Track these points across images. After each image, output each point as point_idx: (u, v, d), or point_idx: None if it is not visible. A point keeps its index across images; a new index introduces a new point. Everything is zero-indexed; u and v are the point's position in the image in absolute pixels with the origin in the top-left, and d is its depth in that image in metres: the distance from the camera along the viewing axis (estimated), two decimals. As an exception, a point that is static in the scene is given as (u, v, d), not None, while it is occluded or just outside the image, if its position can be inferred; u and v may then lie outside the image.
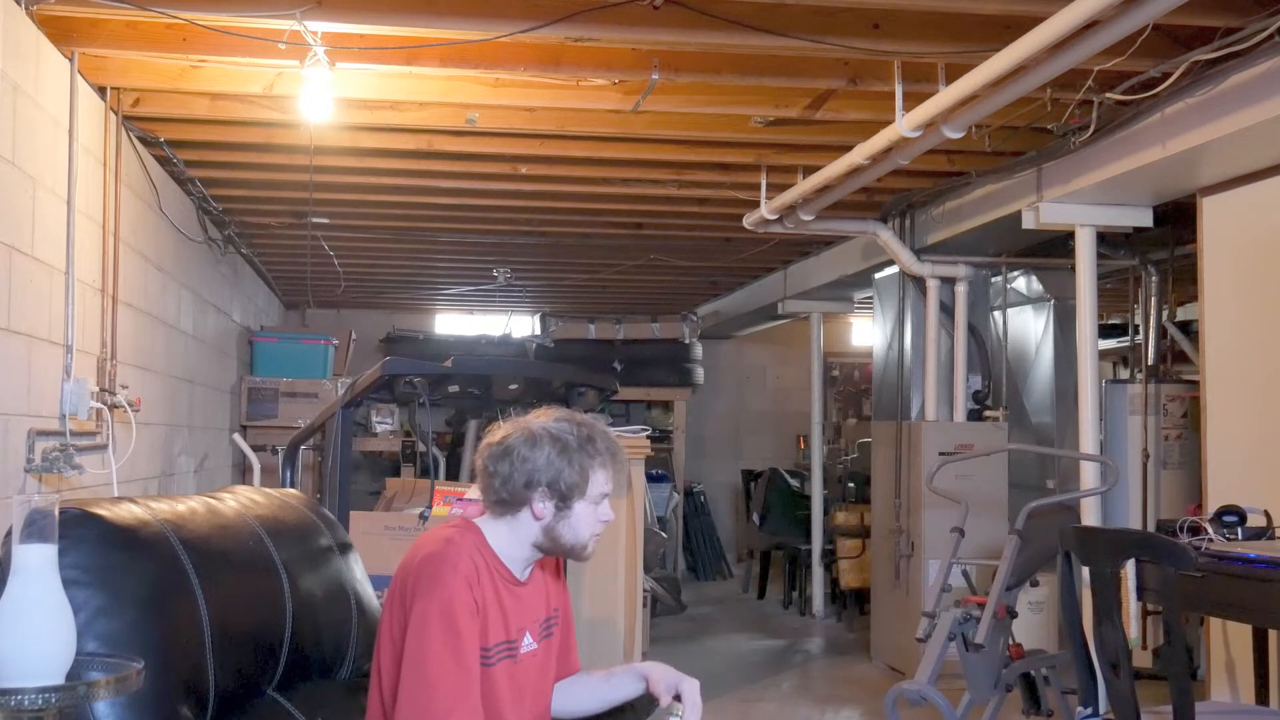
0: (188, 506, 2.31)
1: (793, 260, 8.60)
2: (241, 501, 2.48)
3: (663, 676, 2.36)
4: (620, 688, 2.46)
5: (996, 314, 7.12)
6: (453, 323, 11.78)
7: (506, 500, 2.27)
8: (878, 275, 7.47)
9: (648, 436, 4.75)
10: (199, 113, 4.88)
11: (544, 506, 2.26)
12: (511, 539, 2.30)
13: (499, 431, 2.32)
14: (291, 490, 3.08)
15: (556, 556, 2.38)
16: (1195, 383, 5.67)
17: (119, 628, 1.96)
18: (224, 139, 5.35)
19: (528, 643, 2.32)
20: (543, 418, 2.31)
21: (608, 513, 2.32)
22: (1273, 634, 4.08)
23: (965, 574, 5.01)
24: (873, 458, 7.24)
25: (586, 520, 2.29)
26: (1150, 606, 5.52)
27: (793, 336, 11.29)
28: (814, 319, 9.20)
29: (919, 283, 6.75)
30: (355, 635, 2.54)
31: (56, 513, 1.77)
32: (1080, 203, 5.11)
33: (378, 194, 6.47)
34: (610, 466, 2.30)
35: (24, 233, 3.68)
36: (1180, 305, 7.57)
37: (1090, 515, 5.06)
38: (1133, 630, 5.59)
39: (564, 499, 2.25)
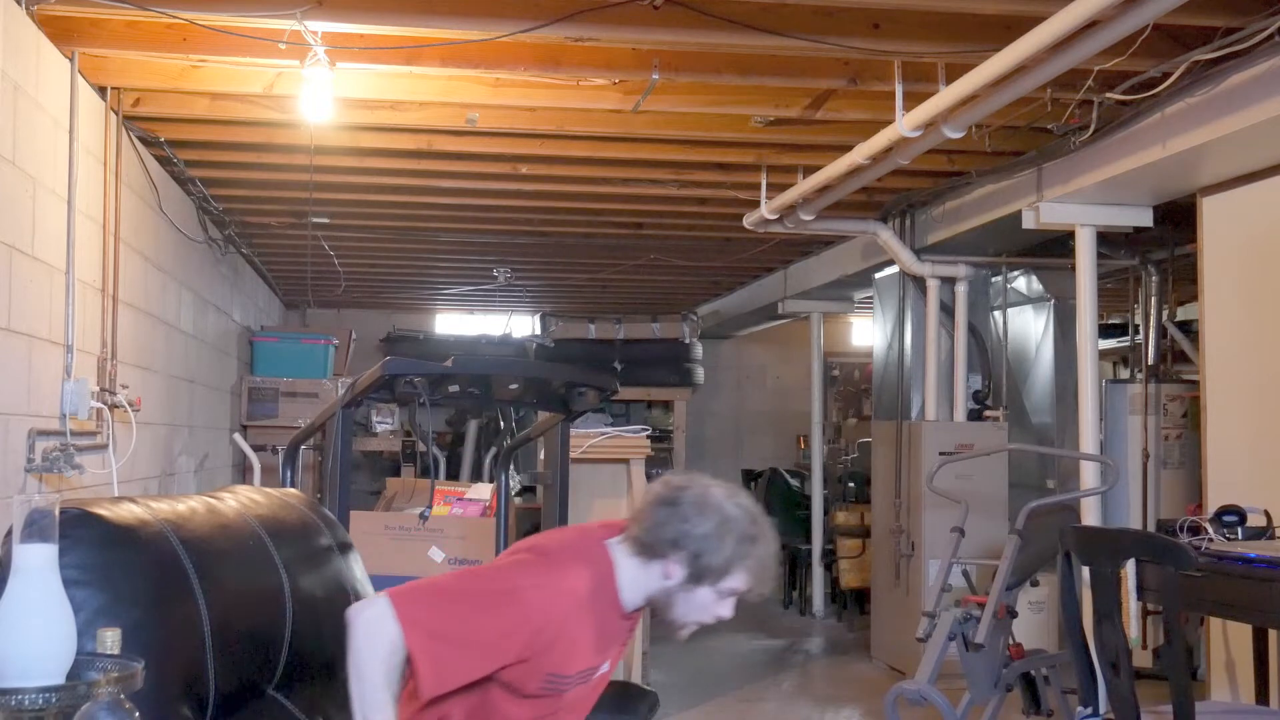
0: (188, 506, 2.31)
1: (793, 260, 8.60)
2: (241, 501, 2.48)
3: None
4: None
5: (996, 314, 7.12)
6: (453, 323, 11.78)
7: (647, 544, 2.21)
8: (878, 275, 7.47)
9: (648, 436, 4.75)
10: (199, 113, 4.89)
11: (676, 571, 2.20)
12: (634, 580, 2.25)
13: (683, 478, 2.26)
14: (291, 490, 3.08)
15: (655, 616, 2.32)
16: (1195, 383, 5.67)
17: (119, 627, 1.96)
18: (224, 139, 5.36)
19: (604, 667, 2.33)
20: (722, 490, 2.24)
21: (727, 611, 2.28)
22: (1273, 634, 4.08)
23: (965, 574, 5.00)
24: (873, 458, 7.24)
25: (704, 606, 2.24)
26: (1150, 606, 5.52)
27: (793, 336, 11.29)
28: (814, 319, 9.21)
29: (919, 283, 6.75)
30: (356, 635, 2.52)
31: (57, 512, 1.77)
32: (1080, 203, 5.11)
33: (378, 194, 6.47)
34: (755, 573, 2.24)
35: (24, 233, 3.68)
36: (1180, 305, 7.57)
37: (1090, 515, 5.06)
38: (1133, 630, 5.59)
39: (697, 577, 2.20)
